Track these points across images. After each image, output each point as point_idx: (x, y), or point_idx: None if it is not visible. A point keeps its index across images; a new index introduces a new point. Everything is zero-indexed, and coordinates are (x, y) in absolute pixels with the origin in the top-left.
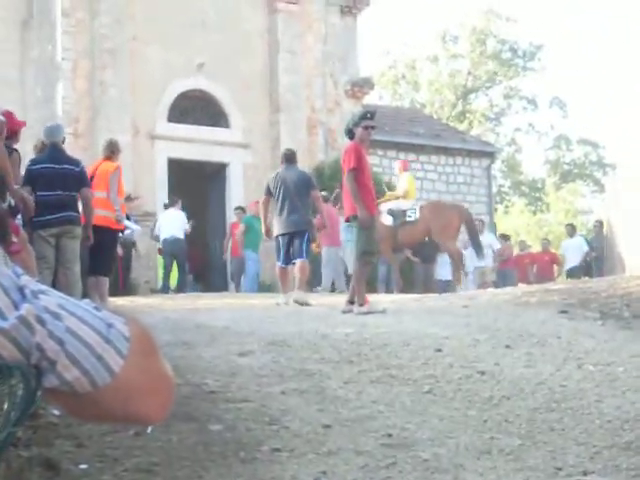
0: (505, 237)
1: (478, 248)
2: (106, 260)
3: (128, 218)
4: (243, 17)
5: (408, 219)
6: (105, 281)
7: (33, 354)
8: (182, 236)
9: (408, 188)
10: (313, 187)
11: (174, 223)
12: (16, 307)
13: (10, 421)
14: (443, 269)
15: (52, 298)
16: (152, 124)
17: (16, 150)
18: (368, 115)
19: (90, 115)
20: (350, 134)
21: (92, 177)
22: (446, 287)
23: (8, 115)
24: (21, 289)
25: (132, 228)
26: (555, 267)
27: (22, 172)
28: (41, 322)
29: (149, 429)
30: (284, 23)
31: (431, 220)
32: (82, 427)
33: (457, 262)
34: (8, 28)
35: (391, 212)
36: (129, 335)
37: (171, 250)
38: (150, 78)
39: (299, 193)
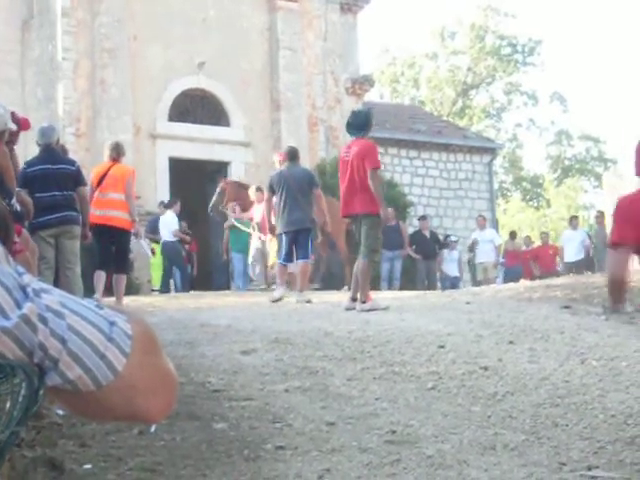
0: (512, 235)
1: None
2: (125, 259)
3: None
4: (243, 15)
5: None
6: (124, 278)
7: (36, 353)
8: (171, 238)
9: None
10: (315, 185)
11: (166, 226)
12: (18, 306)
13: (13, 420)
14: (450, 265)
15: (54, 296)
16: (153, 123)
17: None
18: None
19: (91, 115)
20: (368, 130)
21: (102, 178)
22: (454, 283)
23: (24, 121)
24: (23, 288)
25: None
26: (558, 260)
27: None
28: (43, 321)
29: (153, 428)
30: (284, 21)
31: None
32: (86, 427)
33: (345, 259)
34: (8, 28)
35: None
36: (132, 333)
37: (166, 253)
38: (151, 77)
39: (302, 191)
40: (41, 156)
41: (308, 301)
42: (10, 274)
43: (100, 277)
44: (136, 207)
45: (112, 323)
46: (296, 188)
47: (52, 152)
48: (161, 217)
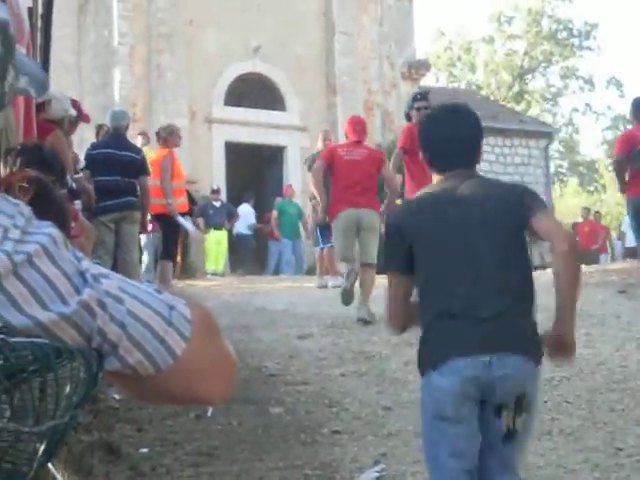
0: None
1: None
2: (168, 245)
3: (187, 214)
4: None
5: None
6: (169, 265)
7: (95, 338)
8: (246, 231)
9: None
10: (308, 168)
11: (243, 219)
12: (78, 292)
13: (72, 405)
14: None
15: (113, 281)
16: (209, 108)
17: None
18: (418, 97)
19: (147, 100)
20: (408, 118)
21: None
22: None
23: (85, 116)
24: (82, 273)
25: (186, 227)
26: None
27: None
28: (102, 306)
29: (209, 412)
30: (339, 5)
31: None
32: (142, 411)
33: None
34: (65, 13)
35: None
36: (191, 317)
37: (239, 245)
38: (206, 62)
39: None
40: (107, 140)
41: (323, 286)
42: (69, 260)
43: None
44: (172, 186)
45: (171, 307)
46: None
47: (119, 137)
48: (239, 210)
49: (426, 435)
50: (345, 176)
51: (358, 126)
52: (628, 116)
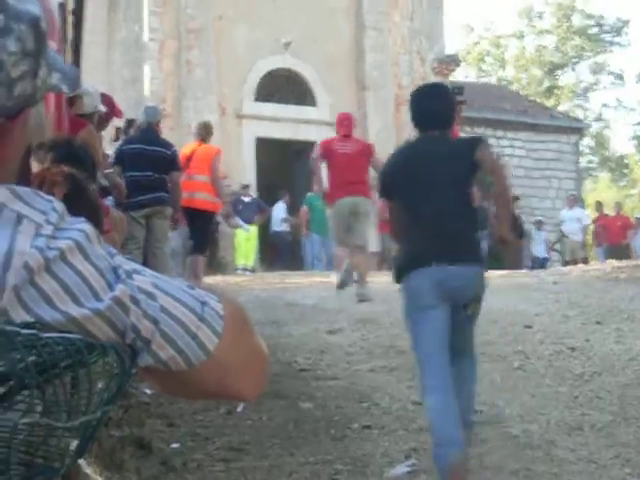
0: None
1: None
2: (203, 240)
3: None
4: None
5: None
6: (201, 260)
7: (128, 334)
8: (279, 228)
9: None
10: None
11: (275, 217)
12: (110, 288)
13: (104, 400)
14: (539, 246)
15: (146, 277)
16: (239, 103)
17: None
18: (456, 91)
19: (177, 95)
20: None
21: (189, 160)
22: (543, 264)
23: (119, 112)
24: (115, 269)
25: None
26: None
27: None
28: (135, 302)
29: (240, 407)
30: (370, 1)
31: None
32: (173, 406)
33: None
34: (95, 8)
35: None
36: (224, 313)
37: (274, 242)
38: (236, 57)
39: None
40: (138, 135)
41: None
42: (102, 256)
43: (189, 263)
44: (224, 187)
45: (204, 303)
46: None
47: (150, 133)
48: (273, 208)
49: (411, 328)
50: (341, 168)
51: (346, 121)
52: None
